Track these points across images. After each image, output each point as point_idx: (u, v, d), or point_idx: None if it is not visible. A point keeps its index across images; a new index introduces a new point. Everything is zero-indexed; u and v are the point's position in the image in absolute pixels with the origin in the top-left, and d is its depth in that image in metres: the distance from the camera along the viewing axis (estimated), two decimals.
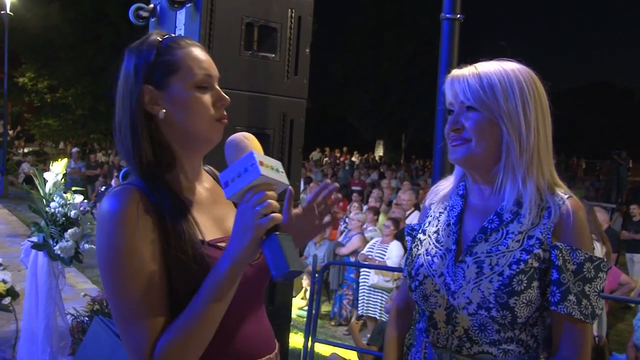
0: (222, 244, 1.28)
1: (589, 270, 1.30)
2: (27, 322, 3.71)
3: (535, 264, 1.31)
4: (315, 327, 4.09)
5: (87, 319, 4.11)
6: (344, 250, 7.12)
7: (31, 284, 3.71)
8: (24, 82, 23.71)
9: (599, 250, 4.97)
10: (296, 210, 1.48)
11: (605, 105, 47.03)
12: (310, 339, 4.06)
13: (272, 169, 1.15)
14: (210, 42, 2.69)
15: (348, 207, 8.91)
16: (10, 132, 25.43)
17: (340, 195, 1.49)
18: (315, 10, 3.09)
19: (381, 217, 8.23)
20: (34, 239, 3.74)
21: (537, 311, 1.34)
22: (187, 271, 1.20)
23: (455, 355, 1.36)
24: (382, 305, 6.23)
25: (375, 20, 28.39)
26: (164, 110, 1.26)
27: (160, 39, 1.30)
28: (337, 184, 1.51)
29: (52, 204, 3.67)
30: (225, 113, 1.33)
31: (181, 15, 2.83)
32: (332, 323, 7.05)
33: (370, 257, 6.49)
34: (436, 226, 1.50)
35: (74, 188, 3.94)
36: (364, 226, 7.46)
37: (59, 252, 3.59)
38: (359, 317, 6.67)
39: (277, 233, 1.12)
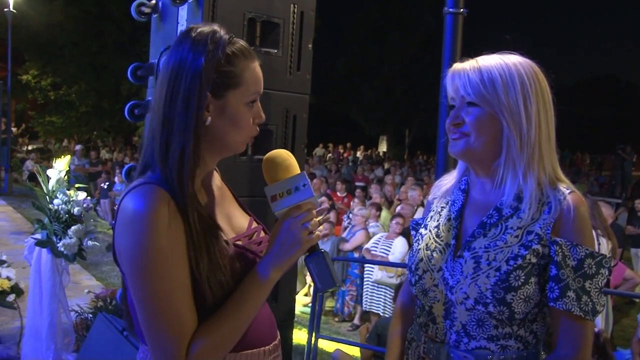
0: (240, 243, 1.33)
1: (589, 266, 1.28)
2: (31, 319, 3.71)
3: (534, 260, 1.30)
4: (318, 323, 4.09)
5: (90, 316, 4.12)
6: (347, 246, 7.11)
7: (35, 281, 3.71)
8: (28, 79, 23.77)
9: (604, 245, 4.93)
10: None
11: (610, 100, 46.82)
12: (313, 335, 4.06)
13: (313, 189, 1.26)
14: None
15: (351, 203, 8.90)
16: (14, 129, 25.46)
17: (329, 216, 1.54)
18: (317, 5, 3.08)
19: (384, 213, 8.22)
20: (38, 236, 3.74)
21: (537, 307, 1.33)
22: (215, 269, 1.22)
23: (454, 350, 1.36)
24: (386, 301, 6.23)
25: (378, 15, 28.31)
26: (210, 118, 1.26)
27: (228, 41, 1.27)
28: (327, 206, 1.58)
29: (55, 201, 3.66)
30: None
31: (183, 11, 2.83)
32: (336, 319, 7.06)
33: (374, 253, 6.49)
34: (437, 221, 1.50)
35: (77, 185, 3.94)
36: (367, 222, 7.45)
37: (62, 249, 3.59)
38: (363, 313, 6.68)
39: (322, 250, 1.27)
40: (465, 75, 1.34)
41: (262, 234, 1.45)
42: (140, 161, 1.31)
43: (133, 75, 3.04)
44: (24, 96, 25.12)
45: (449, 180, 1.55)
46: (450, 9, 3.01)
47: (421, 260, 1.46)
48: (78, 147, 15.97)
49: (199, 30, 1.27)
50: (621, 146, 17.04)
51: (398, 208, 7.75)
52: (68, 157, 3.93)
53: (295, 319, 3.41)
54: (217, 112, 1.26)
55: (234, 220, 1.40)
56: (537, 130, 1.32)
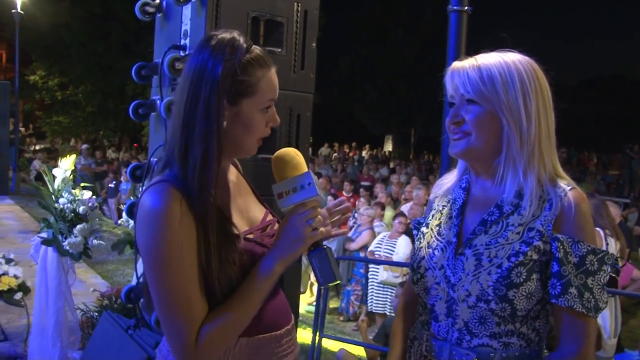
0: (251, 236, 1.39)
1: (591, 262, 1.28)
2: (37, 317, 3.73)
3: (535, 256, 1.30)
4: (323, 322, 4.09)
5: (96, 314, 4.14)
6: (353, 246, 7.11)
7: (41, 279, 3.73)
8: (35, 80, 23.91)
9: (612, 245, 4.89)
10: None
11: (617, 98, 46.55)
12: (317, 334, 4.06)
13: (319, 187, 1.31)
14: None
15: (357, 203, 8.90)
16: (22, 129, 25.63)
17: (348, 215, 1.60)
18: (321, 4, 3.08)
19: (388, 212, 8.20)
20: (44, 234, 3.76)
21: (539, 304, 1.33)
22: (224, 265, 1.29)
23: (456, 347, 1.36)
24: (392, 301, 6.22)
25: (382, 14, 28.27)
26: (225, 123, 1.31)
27: (246, 50, 1.32)
28: (349, 206, 1.58)
29: (61, 200, 3.68)
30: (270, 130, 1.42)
31: (187, 10, 2.84)
32: (341, 318, 7.06)
33: (378, 253, 6.48)
34: (439, 219, 1.50)
35: (82, 184, 3.96)
36: (373, 221, 7.44)
37: (67, 247, 3.61)
38: (368, 313, 6.67)
39: (325, 246, 1.31)
40: (465, 73, 1.35)
41: (277, 226, 1.49)
42: (162, 159, 1.38)
43: (137, 75, 3.05)
44: (31, 96, 25.30)
45: (450, 179, 1.56)
46: (455, 7, 3.00)
47: (423, 258, 1.46)
48: (84, 146, 16.06)
49: (219, 37, 1.32)
50: (629, 145, 16.91)
51: (406, 207, 7.72)
52: (74, 156, 3.95)
53: (300, 318, 3.41)
54: (232, 118, 1.32)
55: (250, 213, 1.47)
56: (537, 128, 1.33)
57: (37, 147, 24.92)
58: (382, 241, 6.60)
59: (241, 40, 1.32)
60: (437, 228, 1.49)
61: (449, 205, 1.50)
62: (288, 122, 2.97)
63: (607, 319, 4.75)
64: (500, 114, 1.32)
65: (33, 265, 4.02)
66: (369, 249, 6.74)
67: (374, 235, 7.00)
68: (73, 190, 3.73)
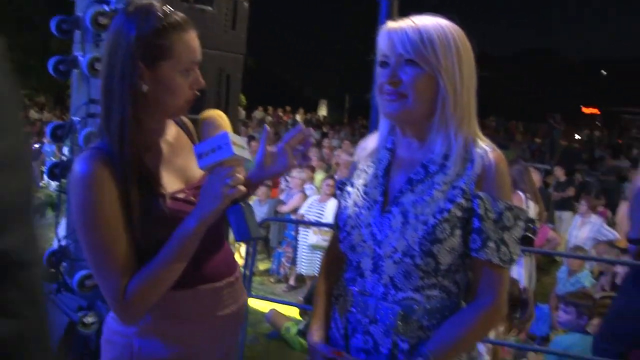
0: (181, 195, 1.46)
1: (508, 219, 1.35)
2: None
3: (459, 213, 1.35)
4: (250, 283, 4.11)
5: None
6: (284, 208, 7.15)
7: None
8: None
9: (532, 208, 5.15)
10: (271, 149, 1.61)
11: (544, 71, 48.56)
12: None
13: (242, 148, 1.35)
14: None
15: None
16: None
17: (312, 140, 1.65)
18: None
19: (318, 176, 8.25)
20: None
21: (460, 259, 1.39)
22: (149, 225, 1.38)
23: (381, 302, 1.41)
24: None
25: None
26: (146, 87, 1.37)
27: (162, 16, 1.37)
28: (312, 132, 1.65)
29: None
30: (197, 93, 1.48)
31: None
32: (272, 280, 7.13)
33: (308, 217, 6.53)
34: (364, 179, 1.53)
35: None
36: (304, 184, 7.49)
37: None
38: (298, 276, 6.77)
39: (241, 204, 1.35)
40: (404, 32, 1.34)
41: None
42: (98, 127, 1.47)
43: (57, 29, 2.87)
44: None
45: (373, 140, 1.58)
46: None
47: (349, 217, 1.49)
48: None
49: (136, 5, 1.39)
50: (553, 115, 17.64)
51: (336, 171, 7.79)
52: None
53: None
54: (153, 81, 1.38)
55: (188, 173, 1.52)
56: (468, 92, 1.38)
57: None
58: (313, 204, 6.66)
59: (157, 5, 1.39)
60: (362, 187, 1.51)
61: (374, 165, 1.52)
62: (217, 83, 2.91)
63: (523, 276, 5.05)
64: (438, 77, 1.34)
65: None
66: (299, 211, 6.78)
67: (304, 198, 7.05)
68: None
